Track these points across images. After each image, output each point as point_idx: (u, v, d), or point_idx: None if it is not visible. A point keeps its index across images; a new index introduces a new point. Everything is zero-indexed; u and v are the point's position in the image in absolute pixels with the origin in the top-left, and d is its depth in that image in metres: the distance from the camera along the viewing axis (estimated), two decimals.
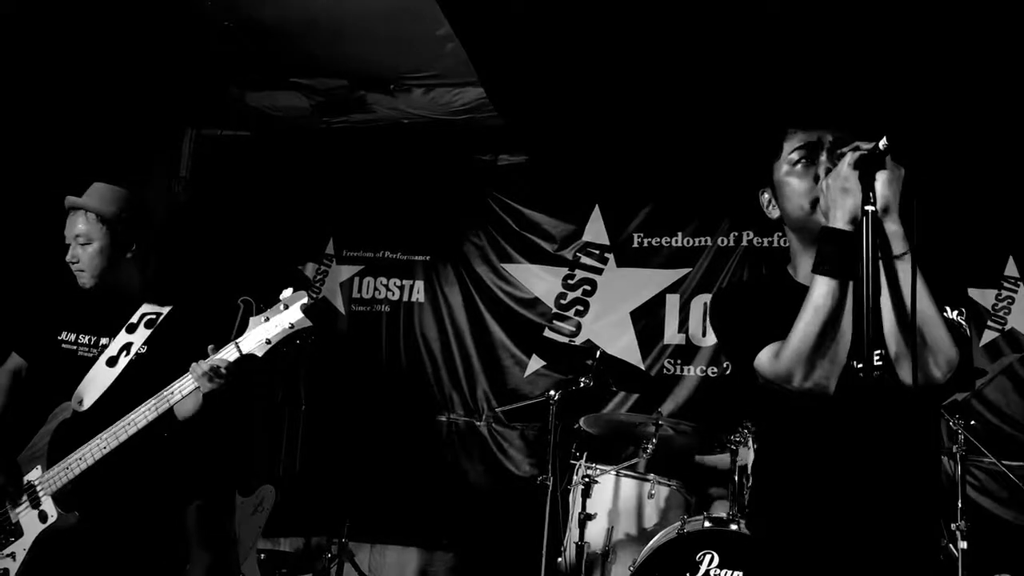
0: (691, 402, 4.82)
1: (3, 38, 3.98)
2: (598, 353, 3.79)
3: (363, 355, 5.30)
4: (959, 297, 1.75)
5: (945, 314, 1.68)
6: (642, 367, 4.93)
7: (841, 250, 1.59)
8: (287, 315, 2.27)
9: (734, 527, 3.18)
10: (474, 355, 5.21)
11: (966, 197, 4.54)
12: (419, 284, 5.38)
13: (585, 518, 3.48)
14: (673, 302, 5.00)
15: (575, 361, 3.86)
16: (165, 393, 2.38)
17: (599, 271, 5.14)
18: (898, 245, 1.59)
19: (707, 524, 3.20)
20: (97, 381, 2.52)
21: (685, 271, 5.00)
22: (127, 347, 2.55)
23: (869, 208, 1.54)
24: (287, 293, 2.33)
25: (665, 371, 4.94)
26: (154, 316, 2.59)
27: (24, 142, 4.21)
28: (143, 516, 2.53)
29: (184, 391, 2.38)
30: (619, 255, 5.12)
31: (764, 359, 1.68)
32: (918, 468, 1.69)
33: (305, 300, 2.28)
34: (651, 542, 3.30)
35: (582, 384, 3.71)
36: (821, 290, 1.60)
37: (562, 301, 5.16)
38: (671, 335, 4.96)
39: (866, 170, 1.56)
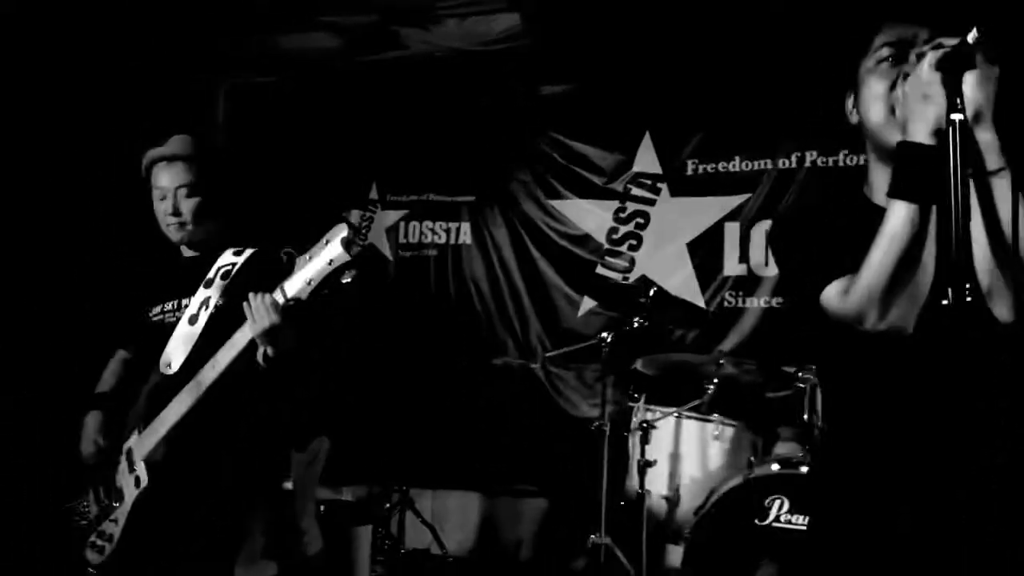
0: (755, 335, 4.58)
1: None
2: (652, 292, 3.58)
3: (413, 301, 5.18)
4: None
5: None
6: (701, 301, 4.70)
7: (922, 168, 1.34)
8: (328, 251, 2.04)
9: (804, 469, 2.99)
10: (525, 296, 5.04)
11: None
12: (465, 226, 5.21)
13: (645, 465, 3.32)
14: (733, 230, 4.72)
15: (629, 300, 3.65)
16: (226, 344, 2.27)
17: (652, 202, 4.88)
18: (993, 159, 1.34)
19: (775, 467, 3.02)
20: (181, 341, 2.44)
21: (744, 197, 4.70)
22: (206, 302, 2.46)
23: (956, 117, 1.29)
24: (333, 229, 2.12)
25: (726, 304, 4.69)
26: (230, 267, 2.48)
27: (60, 111, 4.14)
28: (231, 468, 2.45)
29: (239, 342, 2.26)
30: (673, 184, 4.84)
31: (832, 296, 1.45)
32: (1011, 416, 1.46)
33: (345, 233, 2.00)
34: (717, 487, 3.13)
35: (636, 324, 3.52)
36: (899, 216, 1.35)
37: (614, 236, 4.93)
38: (731, 266, 4.70)
39: (952, 71, 1.30)
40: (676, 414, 3.57)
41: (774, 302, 4.60)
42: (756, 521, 2.91)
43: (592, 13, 4.25)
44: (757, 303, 4.64)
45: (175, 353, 2.43)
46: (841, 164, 4.55)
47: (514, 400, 4.98)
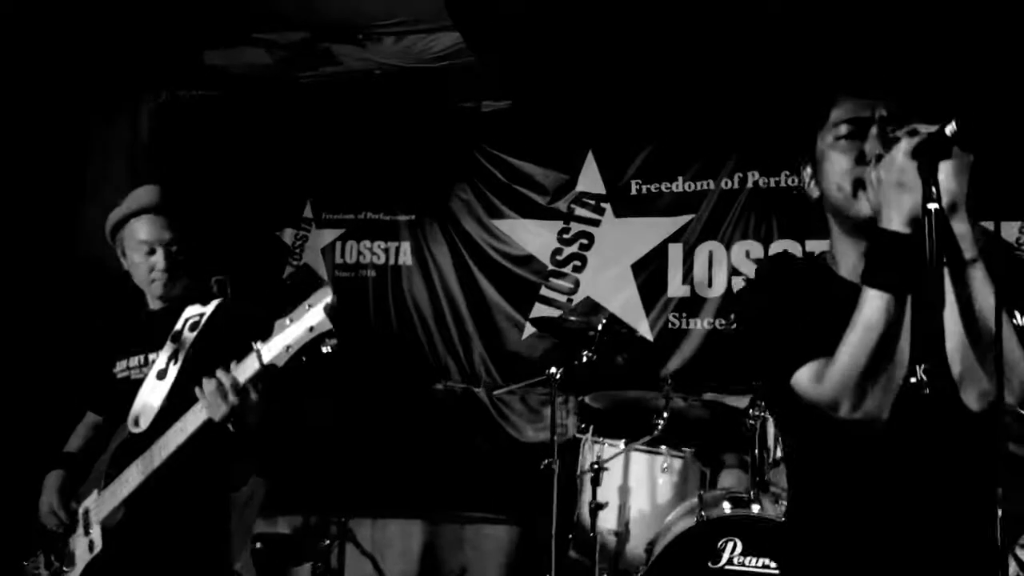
0: (698, 356, 4.57)
1: None
2: (600, 326, 3.52)
3: (350, 324, 5.01)
4: None
5: (1015, 321, 1.40)
6: (645, 323, 4.67)
7: (897, 257, 1.29)
8: (309, 317, 1.94)
9: (756, 508, 2.96)
10: (468, 319, 4.94)
11: None
12: (405, 246, 5.07)
13: (596, 508, 3.26)
14: (676, 252, 4.69)
15: (574, 334, 3.58)
16: (177, 424, 2.17)
17: (596, 223, 4.82)
18: (968, 249, 1.29)
19: (727, 506, 2.98)
20: (149, 398, 2.34)
21: (688, 218, 4.68)
22: (175, 355, 2.36)
23: (932, 206, 1.25)
24: (316, 293, 2.00)
25: (671, 325, 4.67)
26: (197, 318, 2.39)
27: None
28: (194, 526, 2.37)
29: (188, 426, 2.15)
30: (616, 204, 4.79)
31: (804, 380, 1.40)
32: (978, 501, 1.43)
33: (329, 299, 1.91)
34: (670, 525, 3.09)
35: (584, 359, 3.45)
36: (873, 305, 1.30)
37: (558, 257, 4.86)
38: (675, 287, 4.67)
39: (927, 159, 1.26)
40: (624, 446, 3.51)
41: (717, 323, 4.60)
42: (709, 564, 2.87)
43: (535, 30, 4.15)
44: (701, 324, 4.62)
45: (144, 411, 2.34)
46: (783, 184, 4.56)
47: (457, 425, 4.88)
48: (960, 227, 1.29)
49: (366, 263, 5.10)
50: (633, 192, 4.78)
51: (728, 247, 4.61)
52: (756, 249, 4.57)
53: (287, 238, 5.16)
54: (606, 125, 4.83)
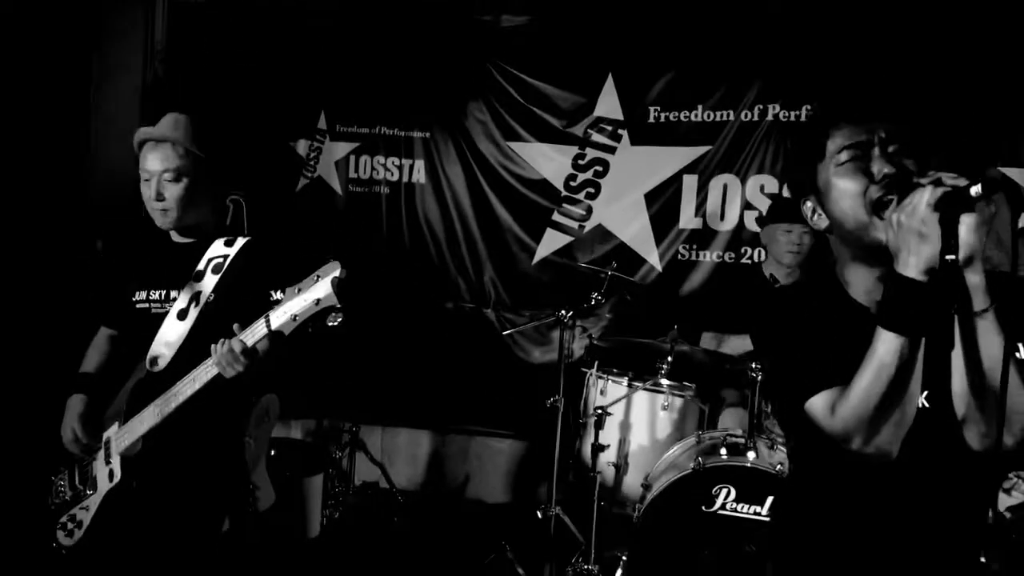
0: (705, 288, 4.62)
1: None
2: (608, 272, 3.56)
3: (363, 239, 5.06)
4: None
5: (1019, 354, 1.45)
6: (655, 253, 4.71)
7: (912, 303, 1.33)
8: (317, 288, 2.00)
9: (751, 456, 3.09)
10: (479, 240, 4.97)
11: None
12: (419, 163, 5.04)
13: (598, 448, 3.39)
14: (691, 183, 4.67)
15: (585, 277, 3.63)
16: (190, 375, 2.26)
17: (612, 150, 4.77)
18: (979, 300, 1.33)
19: (724, 455, 3.11)
20: (169, 337, 2.41)
21: (705, 148, 4.63)
22: (196, 297, 2.41)
23: (950, 258, 1.28)
24: (326, 267, 2.03)
25: (680, 256, 4.71)
26: (221, 260, 2.44)
27: None
28: (209, 458, 2.48)
29: (199, 380, 2.24)
30: (634, 132, 4.72)
31: (819, 410, 1.45)
32: (973, 534, 1.52)
33: (337, 272, 1.97)
34: (666, 472, 3.23)
35: (593, 301, 3.51)
36: (888, 346, 1.35)
37: (572, 183, 4.84)
38: (687, 219, 4.68)
39: (950, 213, 1.28)
40: (628, 384, 3.62)
41: (727, 256, 4.63)
42: (703, 508, 3.02)
43: None
44: (710, 257, 4.66)
45: (163, 351, 2.41)
46: (804, 119, 4.49)
47: (466, 343, 4.99)
48: (974, 279, 1.32)
49: (380, 179, 5.09)
50: (651, 120, 4.71)
51: (744, 180, 4.59)
52: (771, 184, 4.55)
53: (301, 149, 5.13)
54: (627, 48, 4.70)
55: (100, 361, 2.67)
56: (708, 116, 4.64)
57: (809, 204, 1.57)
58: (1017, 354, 1.44)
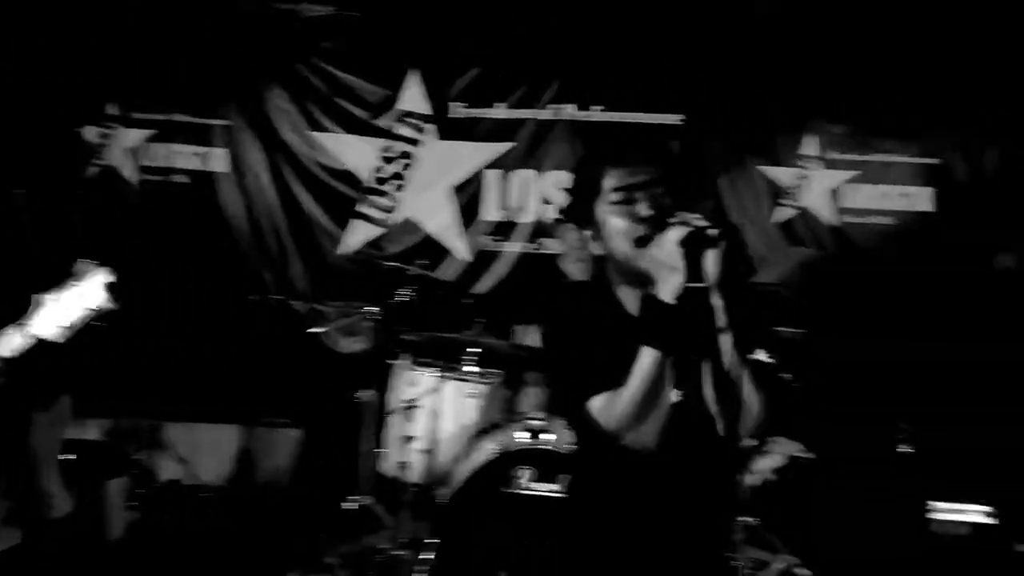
0: (510, 278, 4.88)
1: None
2: (412, 270, 3.70)
3: (161, 231, 4.86)
4: (769, 338, 1.81)
5: (757, 356, 1.74)
6: (461, 244, 4.89)
7: (666, 323, 1.58)
8: (85, 294, 1.97)
9: (549, 437, 3.34)
10: (285, 231, 4.93)
11: None
12: (219, 152, 4.91)
13: (407, 440, 3.53)
14: (495, 177, 4.90)
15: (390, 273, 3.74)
16: None
17: (418, 143, 4.89)
18: (720, 318, 1.60)
19: (526, 436, 3.34)
20: None
21: (508, 145, 4.87)
22: None
23: (694, 285, 1.53)
24: (81, 269, 2.00)
25: (485, 247, 4.93)
26: None
27: None
28: None
29: None
30: (440, 126, 4.87)
31: (597, 409, 1.69)
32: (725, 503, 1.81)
33: (100, 276, 1.96)
34: (470, 456, 3.42)
35: (399, 299, 3.64)
36: (647, 360, 1.60)
37: (379, 175, 4.92)
38: (492, 211, 4.90)
39: (694, 249, 1.53)
40: (439, 374, 3.77)
41: (530, 248, 4.90)
42: (505, 488, 3.24)
43: None
44: (514, 248, 4.91)
45: None
46: (595, 121, 4.82)
47: (272, 335, 4.94)
48: (716, 302, 1.59)
49: (177, 168, 4.90)
50: (456, 115, 4.87)
51: (540, 175, 4.86)
52: (564, 179, 4.85)
53: (89, 136, 4.83)
54: (433, 43, 4.83)
55: None
56: (509, 114, 4.86)
57: (588, 234, 1.79)
58: (760, 357, 1.74)
